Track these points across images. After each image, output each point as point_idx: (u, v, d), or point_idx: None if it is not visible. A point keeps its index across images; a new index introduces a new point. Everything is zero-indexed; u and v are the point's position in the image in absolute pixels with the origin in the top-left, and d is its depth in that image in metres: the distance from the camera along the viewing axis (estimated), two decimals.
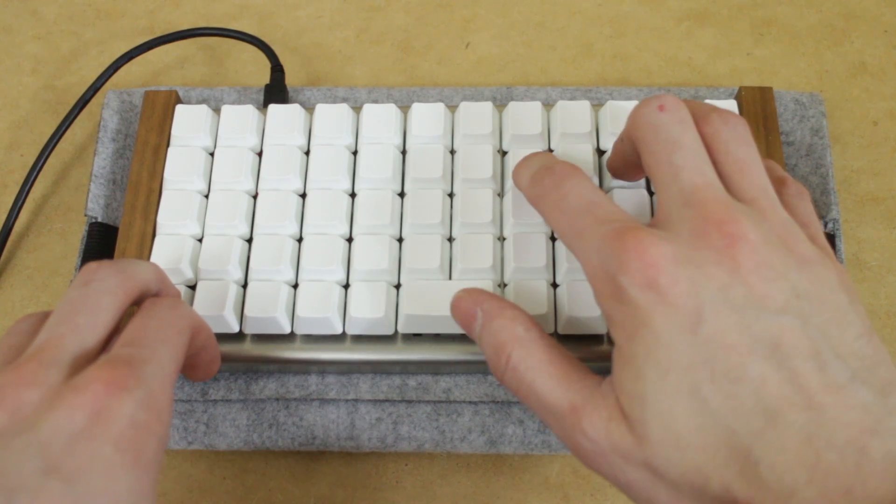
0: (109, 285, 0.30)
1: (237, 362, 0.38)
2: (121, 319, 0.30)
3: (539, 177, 0.31)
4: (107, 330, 0.29)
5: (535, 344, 0.29)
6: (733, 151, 0.29)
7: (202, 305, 0.37)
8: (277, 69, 0.45)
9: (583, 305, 0.36)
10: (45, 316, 0.30)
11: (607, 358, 0.28)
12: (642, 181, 0.38)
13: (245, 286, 0.38)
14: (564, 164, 0.31)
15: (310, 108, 0.42)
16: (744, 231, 0.26)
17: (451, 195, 0.39)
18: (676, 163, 0.28)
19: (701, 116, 0.30)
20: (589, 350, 0.36)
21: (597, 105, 0.42)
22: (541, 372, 0.29)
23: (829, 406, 0.24)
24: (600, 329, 0.36)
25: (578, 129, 0.40)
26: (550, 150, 0.40)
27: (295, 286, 0.38)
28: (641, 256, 0.26)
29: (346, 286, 0.38)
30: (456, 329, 0.36)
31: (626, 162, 0.34)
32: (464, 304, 0.32)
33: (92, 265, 0.30)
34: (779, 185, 0.31)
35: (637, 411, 0.26)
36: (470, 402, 0.38)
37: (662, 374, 0.25)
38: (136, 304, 0.32)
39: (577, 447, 0.27)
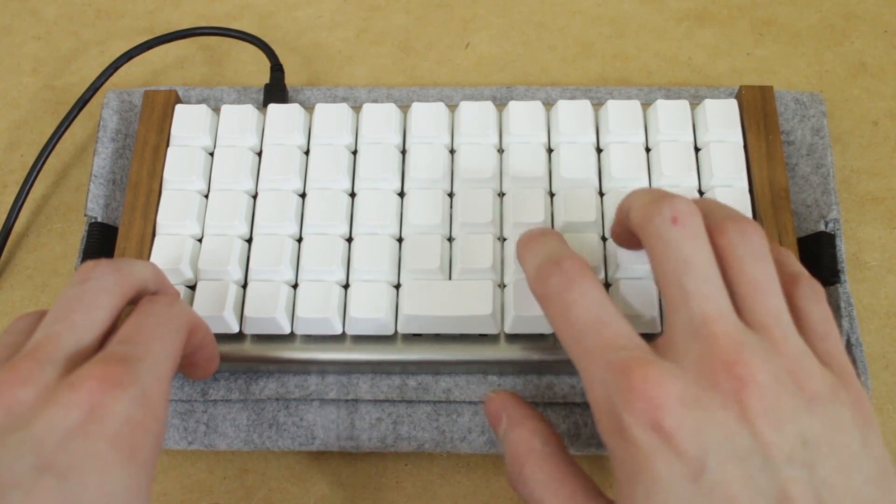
0: (106, 283, 0.30)
1: (237, 362, 0.38)
2: (118, 318, 0.30)
3: (545, 273, 0.29)
4: (103, 328, 0.29)
5: (549, 460, 0.29)
6: (748, 270, 0.27)
7: (202, 305, 0.36)
8: (277, 69, 0.45)
9: None
10: (42, 314, 0.30)
11: None
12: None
13: (245, 286, 0.38)
14: (574, 260, 0.29)
15: (309, 108, 0.42)
16: (753, 373, 0.25)
17: (450, 195, 0.39)
18: (687, 287, 0.27)
19: (715, 225, 0.28)
20: None
21: (597, 105, 0.42)
22: (550, 489, 0.28)
23: None
24: None
25: (578, 129, 0.40)
26: (551, 151, 0.40)
27: (295, 286, 0.38)
28: (648, 396, 0.25)
29: (346, 286, 0.38)
30: (456, 329, 0.36)
31: (631, 240, 0.32)
32: (492, 406, 0.32)
33: (89, 263, 0.30)
34: (791, 284, 0.29)
35: None
36: (470, 403, 0.38)
37: None
38: (134, 302, 0.32)
39: None
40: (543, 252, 0.30)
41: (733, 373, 0.25)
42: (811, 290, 0.30)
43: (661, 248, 0.28)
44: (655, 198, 0.28)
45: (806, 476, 0.24)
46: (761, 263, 0.28)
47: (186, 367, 0.35)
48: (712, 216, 0.29)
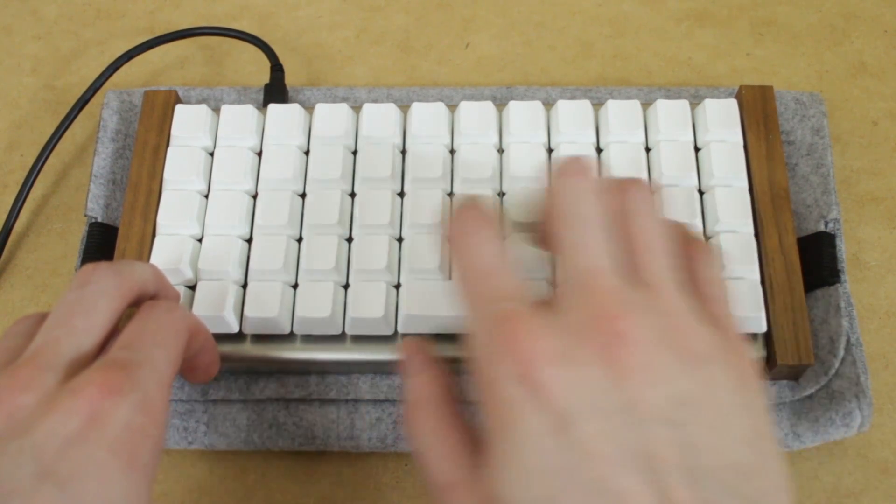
0: (106, 287, 0.30)
1: (237, 363, 0.38)
2: (118, 321, 0.30)
3: (454, 219, 0.29)
4: (103, 332, 0.29)
5: (438, 412, 0.29)
6: (640, 226, 0.27)
7: (202, 306, 0.36)
8: (277, 69, 0.45)
9: None
10: (43, 318, 0.30)
11: None
12: None
13: (245, 286, 0.38)
14: (477, 210, 0.29)
15: (309, 108, 0.42)
16: (631, 329, 0.24)
17: (450, 195, 0.39)
18: (573, 239, 0.27)
19: (613, 186, 0.29)
20: None
21: (597, 105, 0.42)
22: (434, 441, 0.28)
23: None
24: None
25: (578, 129, 0.40)
26: (551, 150, 0.40)
27: (295, 286, 0.38)
28: (520, 349, 0.24)
29: (346, 286, 0.38)
30: (456, 329, 0.36)
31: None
32: (402, 352, 0.32)
33: (88, 267, 0.30)
34: (688, 248, 0.30)
35: None
36: (469, 402, 0.38)
37: (524, 477, 0.24)
38: (135, 305, 0.32)
39: None
40: (458, 203, 0.30)
41: (610, 328, 0.25)
42: (706, 255, 0.30)
43: (551, 200, 0.28)
44: (559, 167, 0.29)
45: (675, 434, 0.24)
46: (654, 223, 0.28)
47: (187, 371, 0.35)
48: (613, 180, 0.29)
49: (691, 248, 0.30)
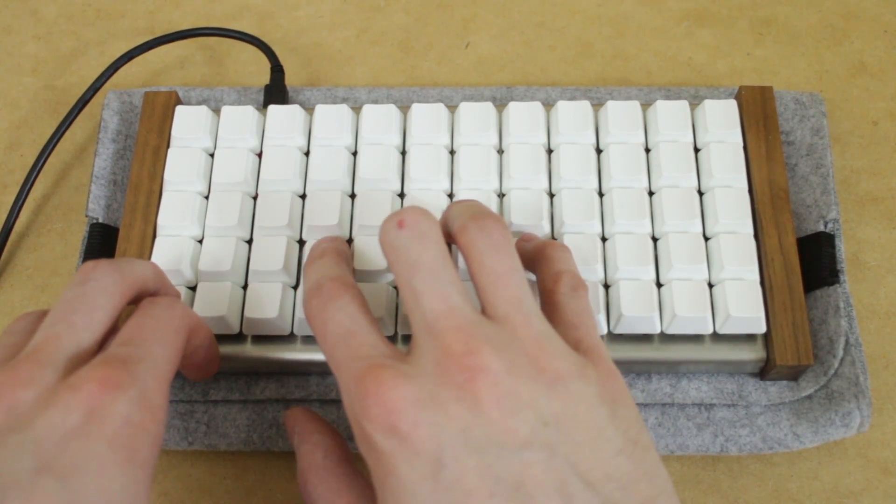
0: (106, 284, 0.30)
1: (237, 363, 0.38)
2: (118, 318, 0.30)
3: (307, 297, 0.30)
4: (103, 329, 0.29)
5: (330, 473, 0.30)
6: (487, 262, 0.28)
7: (202, 306, 0.37)
8: (277, 69, 0.45)
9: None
10: (43, 315, 0.30)
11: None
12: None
13: (245, 287, 0.38)
14: (334, 282, 0.30)
15: (309, 109, 0.42)
16: (485, 362, 0.25)
17: (450, 196, 0.39)
18: (416, 287, 0.27)
19: (458, 226, 0.29)
20: None
21: (597, 105, 0.42)
22: (327, 501, 0.29)
23: None
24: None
25: (578, 129, 0.40)
26: (551, 151, 0.40)
27: (295, 287, 0.38)
28: (382, 401, 0.25)
29: None
30: None
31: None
32: (288, 421, 0.33)
33: (89, 264, 0.30)
34: (554, 280, 0.30)
35: None
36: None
37: None
38: (135, 302, 0.32)
39: None
40: (311, 277, 0.31)
41: (465, 364, 0.25)
42: (570, 286, 0.30)
43: (392, 255, 0.28)
44: (390, 215, 0.29)
45: (546, 457, 0.24)
46: (500, 255, 0.28)
47: (187, 369, 0.35)
48: (458, 218, 0.29)
49: (557, 280, 0.30)
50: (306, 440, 0.31)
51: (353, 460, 0.31)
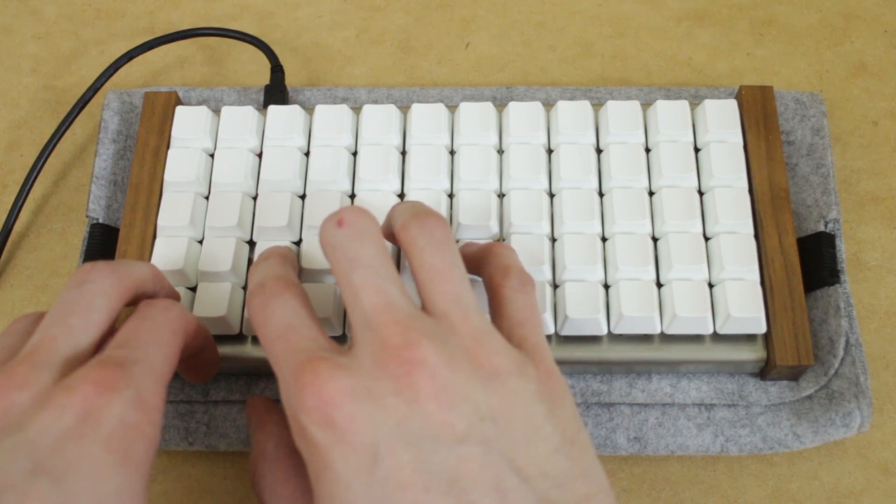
0: (103, 286, 0.30)
1: (238, 364, 0.38)
2: (115, 320, 0.30)
3: (250, 296, 0.30)
4: (100, 331, 0.29)
5: (278, 463, 0.30)
6: (428, 259, 0.28)
7: (202, 307, 0.37)
8: (277, 69, 0.45)
9: (581, 308, 0.36)
10: (40, 316, 0.30)
11: None
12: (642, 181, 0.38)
13: (245, 288, 0.38)
14: (277, 280, 0.30)
15: (309, 109, 0.42)
16: (423, 355, 0.25)
17: (450, 196, 0.39)
18: (355, 283, 0.27)
19: (400, 225, 0.29)
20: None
21: (597, 105, 0.42)
22: (273, 489, 0.29)
23: None
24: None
25: (578, 129, 0.40)
26: (551, 151, 0.40)
27: None
28: (317, 393, 0.25)
29: None
30: None
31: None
32: (247, 410, 0.33)
33: (86, 266, 0.30)
34: (501, 276, 0.30)
35: None
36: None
37: None
38: (133, 304, 0.32)
39: None
40: (255, 277, 0.31)
41: (402, 357, 0.25)
42: (518, 282, 0.30)
43: (331, 253, 0.29)
44: (329, 214, 0.29)
45: (482, 452, 0.24)
46: (440, 252, 0.28)
47: (186, 371, 0.35)
48: (400, 216, 0.29)
49: (505, 276, 0.30)
50: (260, 429, 0.31)
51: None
